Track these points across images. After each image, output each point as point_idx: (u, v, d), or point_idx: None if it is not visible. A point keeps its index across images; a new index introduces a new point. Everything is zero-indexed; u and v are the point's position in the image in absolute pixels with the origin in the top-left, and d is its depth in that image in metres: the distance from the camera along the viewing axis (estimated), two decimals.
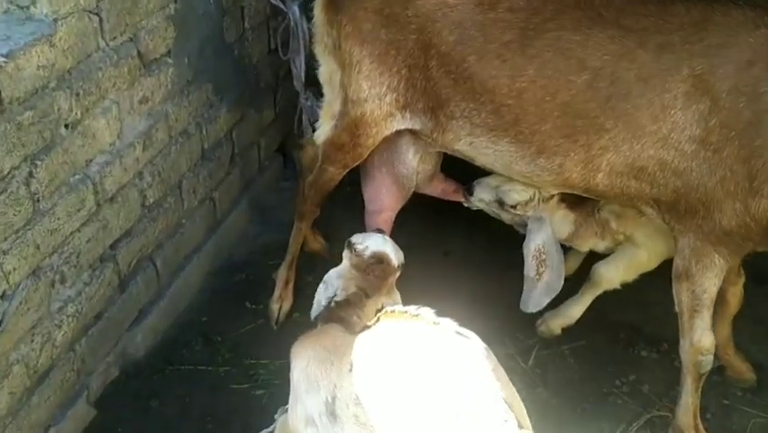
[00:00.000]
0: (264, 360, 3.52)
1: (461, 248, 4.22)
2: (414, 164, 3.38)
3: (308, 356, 2.50)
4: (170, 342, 3.59)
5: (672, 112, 2.60)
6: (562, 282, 3.39)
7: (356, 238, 2.92)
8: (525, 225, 3.49)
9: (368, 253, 2.84)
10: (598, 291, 3.55)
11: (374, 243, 2.88)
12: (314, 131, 4.11)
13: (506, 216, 3.53)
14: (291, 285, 3.76)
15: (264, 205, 4.51)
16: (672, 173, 2.69)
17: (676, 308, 2.95)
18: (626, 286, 3.51)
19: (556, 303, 3.59)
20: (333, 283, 2.82)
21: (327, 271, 3.80)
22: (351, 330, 2.58)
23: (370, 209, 3.51)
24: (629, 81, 2.64)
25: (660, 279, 3.25)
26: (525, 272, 3.37)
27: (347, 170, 3.39)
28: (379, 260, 2.84)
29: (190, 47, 3.50)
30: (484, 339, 3.58)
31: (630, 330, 3.77)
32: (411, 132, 3.24)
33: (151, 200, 3.38)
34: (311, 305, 3.69)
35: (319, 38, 3.28)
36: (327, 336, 2.61)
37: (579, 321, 3.67)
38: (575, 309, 3.63)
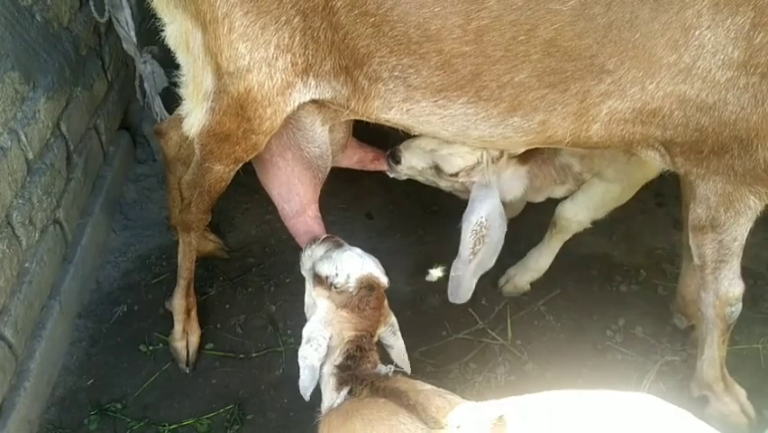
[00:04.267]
0: (187, 419, 2.74)
1: (384, 209, 3.57)
2: (325, 137, 2.53)
3: None
4: (54, 430, 2.68)
5: (697, 33, 1.98)
6: (494, 262, 2.77)
7: (324, 268, 2.18)
8: (468, 191, 2.85)
9: (352, 283, 2.14)
10: (568, 236, 2.99)
11: (352, 266, 2.18)
12: (166, 104, 3.20)
13: (443, 184, 2.85)
14: (194, 312, 2.91)
15: (123, 203, 3.57)
16: (697, 110, 2.09)
17: (696, 261, 2.44)
18: None
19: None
20: (322, 336, 2.11)
21: (232, 276, 3.07)
22: (407, 406, 1.88)
23: (287, 212, 2.64)
24: (634, 1, 1.97)
25: None
26: (460, 252, 2.69)
27: (241, 165, 2.50)
28: (370, 286, 2.15)
29: None
30: (444, 315, 3.08)
31: (601, 263, 3.31)
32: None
33: None
34: (226, 328, 3.00)
35: None
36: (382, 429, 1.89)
37: None
38: (543, 260, 3.07)
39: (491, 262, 2.74)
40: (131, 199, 3.58)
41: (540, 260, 3.05)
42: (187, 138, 2.54)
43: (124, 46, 3.14)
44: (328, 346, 2.10)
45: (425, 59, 2.12)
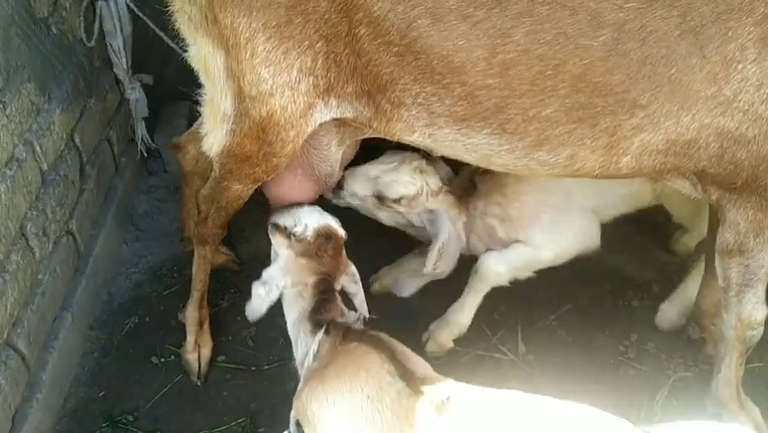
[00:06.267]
0: (199, 432, 2.72)
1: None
2: (338, 158, 2.54)
3: (345, 413, 1.91)
4: None
5: (740, 67, 1.94)
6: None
7: (284, 219, 2.38)
8: (411, 226, 2.88)
9: (310, 232, 2.33)
10: (487, 288, 2.86)
11: (310, 218, 2.37)
12: (150, 129, 3.26)
13: (384, 216, 2.87)
14: (207, 324, 2.90)
15: (134, 214, 3.57)
16: (735, 142, 2.06)
17: (720, 283, 2.41)
18: None
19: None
20: (276, 284, 2.28)
21: (244, 288, 3.11)
22: (387, 353, 1.95)
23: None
24: (670, 36, 1.93)
25: None
26: (426, 270, 2.77)
27: (259, 184, 2.50)
28: (327, 235, 2.33)
29: None
30: None
31: (613, 277, 3.30)
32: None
33: None
34: (237, 340, 2.99)
35: (178, 5, 2.26)
36: (368, 376, 1.93)
37: (557, 280, 3.06)
38: (465, 315, 2.93)
39: (444, 274, 2.83)
40: (142, 211, 3.58)
41: (461, 314, 2.92)
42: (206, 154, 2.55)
43: (115, 71, 3.21)
44: (301, 297, 2.25)
45: (449, 89, 2.10)
